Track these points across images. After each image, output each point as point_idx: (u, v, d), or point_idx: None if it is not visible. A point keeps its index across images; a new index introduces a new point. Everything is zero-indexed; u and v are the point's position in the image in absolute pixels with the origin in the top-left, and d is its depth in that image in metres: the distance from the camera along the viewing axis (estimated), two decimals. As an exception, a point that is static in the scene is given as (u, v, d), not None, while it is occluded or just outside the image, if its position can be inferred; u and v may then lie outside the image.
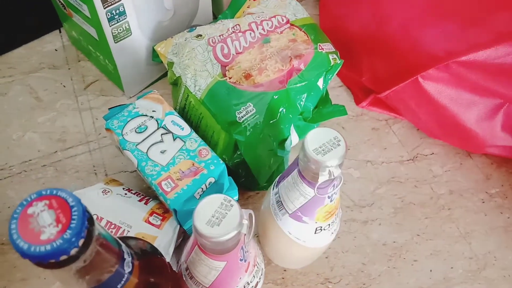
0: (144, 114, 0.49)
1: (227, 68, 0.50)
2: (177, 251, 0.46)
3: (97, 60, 0.62)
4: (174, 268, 0.40)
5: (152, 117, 0.48)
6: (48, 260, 0.20)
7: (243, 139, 0.48)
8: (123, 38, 0.54)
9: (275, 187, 0.42)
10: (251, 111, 0.48)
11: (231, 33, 0.52)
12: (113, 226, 0.45)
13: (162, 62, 0.55)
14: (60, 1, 0.58)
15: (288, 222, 0.40)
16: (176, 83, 0.52)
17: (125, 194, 0.48)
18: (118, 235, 0.44)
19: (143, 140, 0.47)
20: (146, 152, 0.46)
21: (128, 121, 0.48)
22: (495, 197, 0.57)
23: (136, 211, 0.46)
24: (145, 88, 0.64)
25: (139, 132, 0.47)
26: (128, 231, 0.44)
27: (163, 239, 0.44)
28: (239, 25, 0.53)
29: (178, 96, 0.52)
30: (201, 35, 0.52)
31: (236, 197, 0.46)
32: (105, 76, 0.65)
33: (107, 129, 0.48)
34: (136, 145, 0.46)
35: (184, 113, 0.52)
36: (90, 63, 0.66)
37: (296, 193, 0.38)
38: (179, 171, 0.45)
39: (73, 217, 0.20)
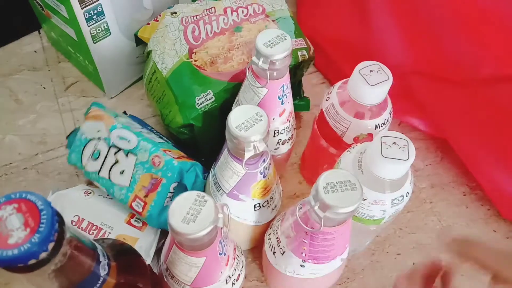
0: (92, 138, 0.47)
1: (194, 50, 0.50)
2: (159, 253, 0.45)
3: (77, 61, 0.62)
4: (155, 271, 0.40)
5: (100, 138, 0.47)
6: (16, 264, 0.20)
7: (199, 125, 0.49)
8: (102, 38, 0.54)
9: (212, 170, 0.43)
10: (210, 99, 0.48)
11: (205, 15, 0.52)
12: (94, 227, 0.44)
13: (144, 57, 0.54)
14: (38, 2, 0.57)
15: (227, 201, 0.41)
16: (148, 55, 0.53)
17: (107, 195, 0.47)
18: (99, 236, 0.44)
19: (102, 166, 0.46)
20: (109, 178, 0.45)
21: (83, 151, 0.47)
22: (476, 190, 0.58)
23: (118, 213, 0.46)
24: (127, 87, 0.64)
25: (96, 159, 0.46)
26: (110, 233, 0.44)
27: (144, 240, 0.44)
28: (214, 7, 0.52)
29: (147, 70, 0.52)
30: (175, 13, 0.52)
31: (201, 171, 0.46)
32: (85, 77, 0.64)
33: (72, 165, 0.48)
34: (98, 173, 0.46)
35: (149, 86, 0.53)
36: (70, 64, 0.66)
37: (229, 171, 0.39)
38: (142, 188, 0.44)
39: (42, 220, 0.20)
